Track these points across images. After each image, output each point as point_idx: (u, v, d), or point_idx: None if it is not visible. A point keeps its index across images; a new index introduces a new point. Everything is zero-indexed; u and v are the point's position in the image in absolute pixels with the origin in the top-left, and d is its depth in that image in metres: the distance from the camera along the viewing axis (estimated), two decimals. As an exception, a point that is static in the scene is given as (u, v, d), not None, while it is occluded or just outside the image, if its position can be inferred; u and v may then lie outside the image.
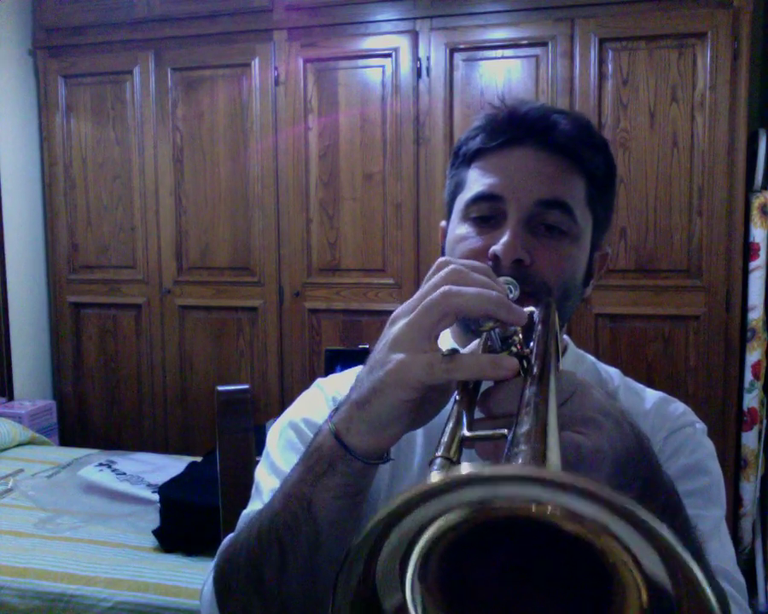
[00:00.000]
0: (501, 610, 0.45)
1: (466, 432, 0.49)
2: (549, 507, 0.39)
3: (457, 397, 0.53)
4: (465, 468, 0.38)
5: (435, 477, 0.39)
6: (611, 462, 0.54)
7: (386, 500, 0.39)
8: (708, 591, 0.34)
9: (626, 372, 0.94)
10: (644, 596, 0.39)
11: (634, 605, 0.39)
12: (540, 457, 0.42)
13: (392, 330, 0.58)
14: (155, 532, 1.98)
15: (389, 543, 0.41)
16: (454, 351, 0.54)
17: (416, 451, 0.83)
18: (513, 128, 0.81)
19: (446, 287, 0.56)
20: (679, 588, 0.36)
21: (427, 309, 0.56)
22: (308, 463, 0.62)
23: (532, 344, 0.57)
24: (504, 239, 0.76)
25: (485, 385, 0.55)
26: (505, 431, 0.46)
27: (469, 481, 0.38)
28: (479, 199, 0.80)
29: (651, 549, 0.36)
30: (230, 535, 0.75)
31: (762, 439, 2.62)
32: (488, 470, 0.38)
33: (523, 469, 0.41)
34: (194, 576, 1.80)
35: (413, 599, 0.43)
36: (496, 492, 0.39)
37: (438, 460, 0.47)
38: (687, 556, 0.34)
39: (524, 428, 0.44)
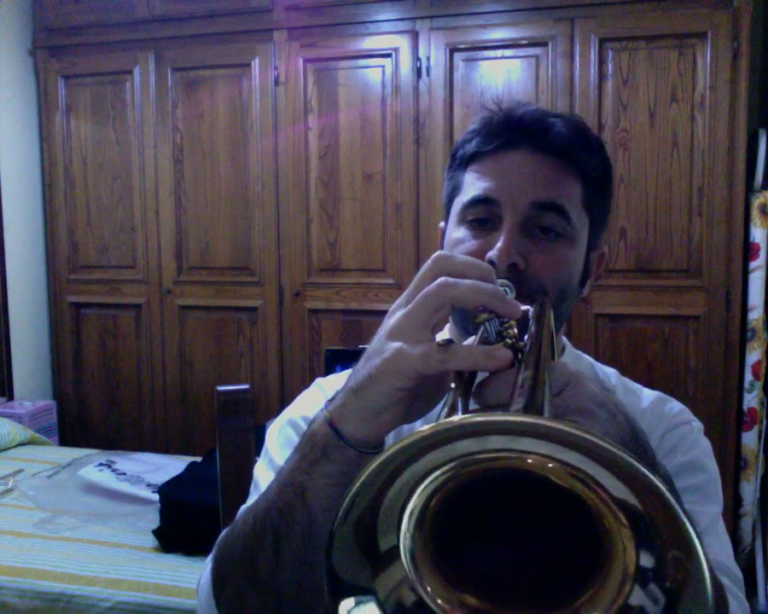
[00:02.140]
0: (487, 567, 0.46)
1: (460, 416, 0.49)
2: (541, 459, 0.40)
3: (453, 386, 0.54)
4: (456, 418, 0.39)
5: (427, 427, 0.40)
6: None
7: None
8: (682, 516, 0.36)
9: (626, 372, 0.95)
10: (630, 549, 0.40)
11: (620, 557, 0.41)
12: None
13: (389, 321, 0.59)
14: (155, 532, 1.99)
15: (394, 487, 0.43)
16: (449, 342, 0.54)
17: None
18: (508, 131, 0.81)
19: (443, 279, 0.57)
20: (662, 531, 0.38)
21: (423, 300, 0.57)
22: (303, 451, 0.63)
23: (526, 337, 0.58)
24: (499, 243, 0.76)
25: (480, 379, 0.55)
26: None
27: (460, 427, 0.40)
28: (474, 202, 0.81)
29: (628, 489, 0.38)
30: (227, 528, 0.75)
31: (762, 439, 2.62)
32: (478, 418, 0.39)
33: (514, 415, 0.42)
34: (194, 576, 1.78)
35: (404, 546, 0.45)
36: (486, 443, 0.40)
37: None
38: (658, 483, 0.36)
39: (517, 407, 0.45)
